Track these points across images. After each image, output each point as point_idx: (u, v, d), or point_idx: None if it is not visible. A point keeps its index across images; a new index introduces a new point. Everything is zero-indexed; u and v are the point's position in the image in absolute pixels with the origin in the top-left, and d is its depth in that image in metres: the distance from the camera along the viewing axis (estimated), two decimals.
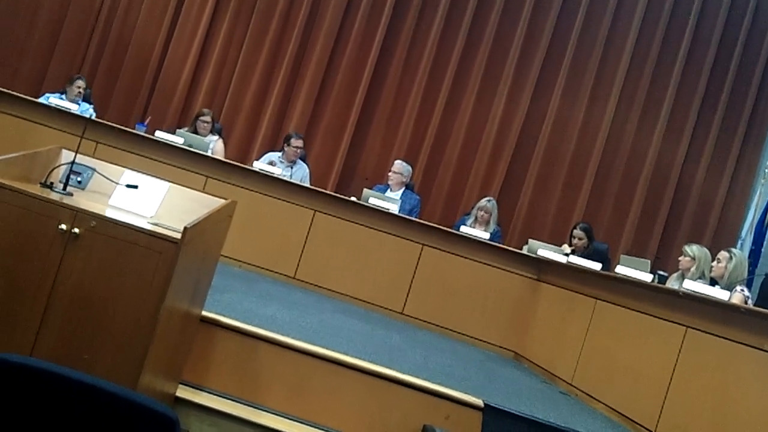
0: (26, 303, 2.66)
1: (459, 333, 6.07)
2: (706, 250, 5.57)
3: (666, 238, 8.27)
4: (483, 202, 7.01)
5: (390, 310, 6.11)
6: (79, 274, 2.67)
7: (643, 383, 4.26)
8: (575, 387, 4.88)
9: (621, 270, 5.15)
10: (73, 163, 3.11)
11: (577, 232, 6.64)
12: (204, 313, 3.44)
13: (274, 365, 3.54)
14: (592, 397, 4.65)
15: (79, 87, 7.00)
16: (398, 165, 7.25)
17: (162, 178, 3.32)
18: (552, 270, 6.00)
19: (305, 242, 6.17)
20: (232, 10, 8.49)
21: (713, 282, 5.18)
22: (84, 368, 2.57)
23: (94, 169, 3.24)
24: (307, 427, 3.43)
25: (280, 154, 7.19)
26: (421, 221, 6.45)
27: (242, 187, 6.17)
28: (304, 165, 7.25)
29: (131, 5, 8.48)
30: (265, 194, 6.22)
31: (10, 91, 6.28)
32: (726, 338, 3.77)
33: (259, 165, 6.53)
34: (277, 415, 3.43)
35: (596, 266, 5.62)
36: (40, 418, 1.49)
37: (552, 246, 6.31)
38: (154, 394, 2.88)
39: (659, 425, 3.96)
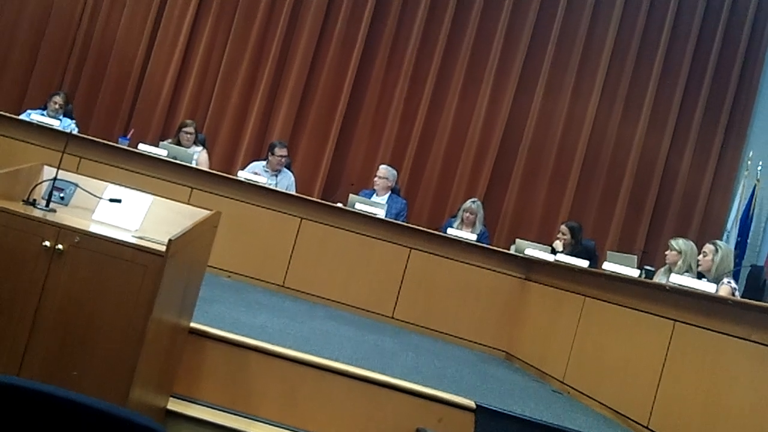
0: (12, 321, 2.65)
1: (449, 335, 6.08)
2: (692, 244, 5.60)
3: (652, 232, 8.30)
4: (468, 203, 7.02)
5: (380, 314, 6.10)
6: (64, 290, 2.66)
7: (634, 378, 4.28)
8: (567, 385, 4.89)
9: (608, 266, 5.17)
10: (55, 179, 3.10)
11: (562, 227, 6.66)
12: (193, 324, 3.42)
13: (265, 374, 3.53)
14: (584, 394, 4.66)
15: (56, 102, 6.97)
16: (383, 170, 7.25)
17: (146, 191, 3.32)
18: (540, 269, 6.02)
19: (293, 250, 6.17)
20: (212, 19, 8.48)
21: (700, 275, 5.21)
22: (73, 384, 2.56)
23: (76, 185, 3.22)
24: None
25: (264, 163, 7.17)
26: (408, 225, 6.46)
27: (228, 198, 6.16)
28: (289, 173, 7.24)
29: (110, 18, 8.45)
30: (251, 203, 6.21)
31: None
32: (714, 330, 3.80)
33: (243, 174, 6.52)
34: (270, 424, 3.42)
35: (584, 264, 5.64)
36: None
37: (540, 245, 6.32)
38: (144, 408, 2.87)
39: (651, 419, 3.98)
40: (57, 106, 6.95)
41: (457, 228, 6.72)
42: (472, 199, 7.13)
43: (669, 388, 3.97)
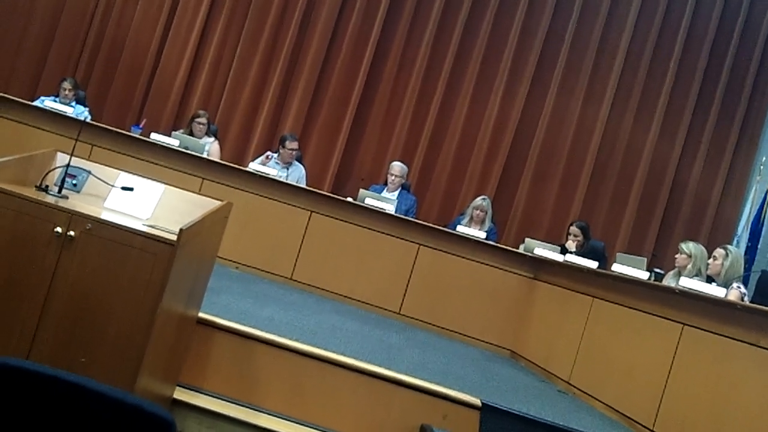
0: (23, 306, 2.66)
1: (456, 332, 6.08)
2: (702, 248, 5.58)
3: (662, 235, 8.28)
4: (478, 200, 7.01)
5: (387, 310, 6.11)
6: (75, 276, 2.67)
7: (640, 381, 4.26)
8: (573, 385, 4.88)
9: (617, 268, 5.15)
10: (68, 166, 3.11)
11: (573, 229, 6.65)
12: (201, 314, 3.44)
13: (271, 366, 3.54)
14: (589, 395, 4.65)
15: (66, 88, 6.97)
16: (398, 168, 7.23)
17: (157, 180, 3.32)
18: (548, 268, 6.00)
19: (302, 243, 6.17)
20: (227, 11, 8.48)
21: (710, 279, 5.19)
22: (81, 371, 2.57)
23: (89, 172, 3.23)
24: (305, 428, 3.44)
25: (276, 155, 7.18)
26: (417, 221, 6.45)
27: (238, 189, 6.16)
28: (300, 166, 7.24)
29: (125, 7, 8.47)
30: (262, 195, 6.21)
31: (5, 95, 6.27)
32: (723, 335, 3.78)
33: (254, 166, 6.52)
34: (275, 416, 3.43)
35: (593, 264, 5.62)
36: (36, 422, 1.49)
37: (549, 244, 6.30)
38: (151, 397, 2.88)
39: (657, 422, 3.97)
40: (67, 92, 6.96)
41: (466, 225, 6.71)
42: (482, 197, 7.11)
43: (675, 392, 3.96)
